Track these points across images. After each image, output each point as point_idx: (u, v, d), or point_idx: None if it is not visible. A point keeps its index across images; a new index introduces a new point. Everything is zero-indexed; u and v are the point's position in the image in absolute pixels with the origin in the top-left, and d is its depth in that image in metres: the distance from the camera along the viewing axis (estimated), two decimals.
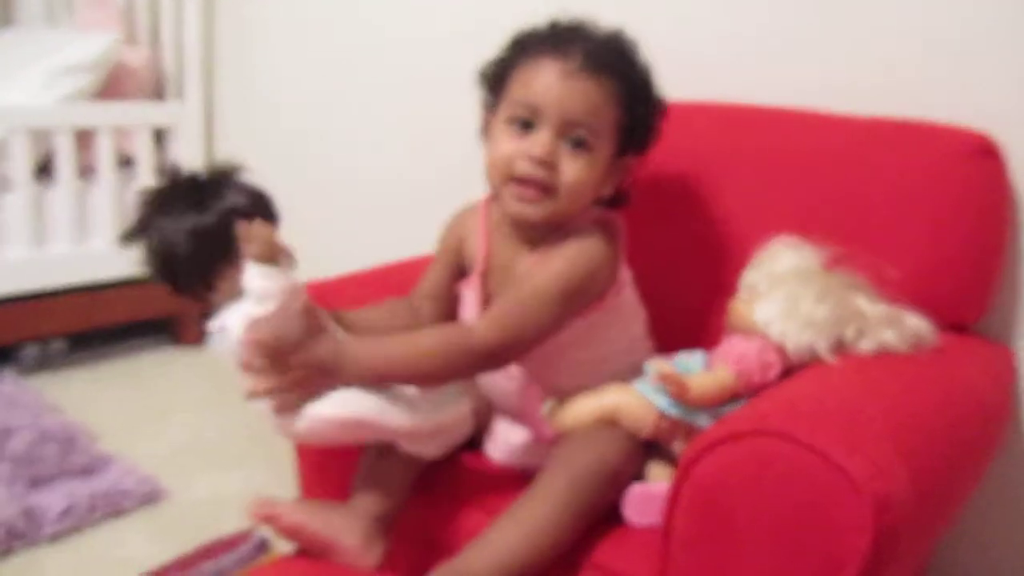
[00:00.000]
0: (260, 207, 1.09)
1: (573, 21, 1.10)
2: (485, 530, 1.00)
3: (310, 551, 1.05)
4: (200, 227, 1.04)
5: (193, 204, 1.06)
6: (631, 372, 1.12)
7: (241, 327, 0.96)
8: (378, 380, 0.99)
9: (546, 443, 1.12)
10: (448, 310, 1.23)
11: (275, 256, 1.02)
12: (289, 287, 1.01)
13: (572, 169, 1.05)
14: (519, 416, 1.17)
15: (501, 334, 1.00)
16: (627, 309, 1.17)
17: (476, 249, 1.18)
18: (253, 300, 1.00)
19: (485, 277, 1.16)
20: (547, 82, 1.04)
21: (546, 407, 1.12)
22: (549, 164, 1.04)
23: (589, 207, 1.11)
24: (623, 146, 1.10)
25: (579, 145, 1.05)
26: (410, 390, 1.03)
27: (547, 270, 1.05)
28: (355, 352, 0.97)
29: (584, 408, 1.10)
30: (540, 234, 1.10)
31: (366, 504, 1.07)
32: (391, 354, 0.99)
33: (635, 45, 1.11)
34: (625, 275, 1.15)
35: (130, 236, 1.08)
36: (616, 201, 1.15)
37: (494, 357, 1.02)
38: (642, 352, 1.19)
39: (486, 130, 1.14)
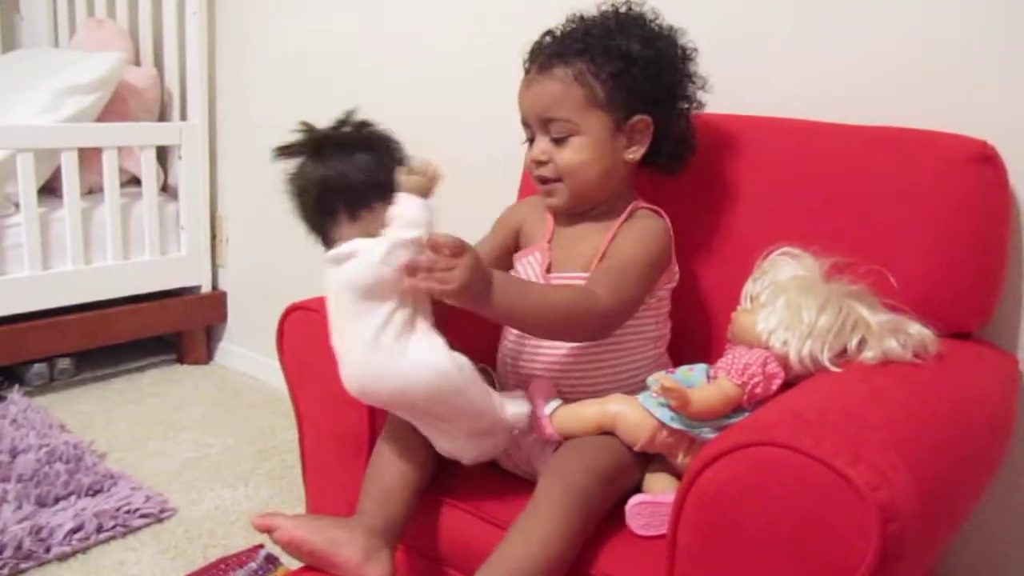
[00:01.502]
0: (400, 152, 1.16)
1: (555, 29, 1.21)
2: (496, 548, 1.00)
3: (312, 566, 1.05)
4: (367, 164, 1.10)
5: (357, 146, 1.13)
6: (640, 388, 1.13)
7: (386, 248, 1.03)
8: (506, 315, 1.04)
9: (546, 439, 1.13)
10: None
11: (430, 191, 1.10)
12: (433, 220, 1.08)
13: (564, 157, 1.16)
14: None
15: (617, 301, 1.08)
16: (664, 310, 1.23)
17: (540, 227, 1.26)
18: (402, 227, 1.05)
19: (551, 245, 1.23)
20: (521, 97, 1.19)
21: (549, 406, 1.12)
22: (546, 162, 1.17)
23: (625, 175, 1.20)
24: (620, 113, 1.15)
25: (560, 139, 1.15)
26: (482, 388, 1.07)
27: (631, 243, 1.15)
28: (499, 280, 1.01)
29: (586, 412, 1.11)
30: (592, 213, 1.21)
31: (369, 518, 1.07)
32: (526, 297, 1.04)
33: (619, 16, 1.18)
34: (676, 269, 1.22)
35: (302, 166, 1.19)
36: (672, 160, 1.23)
37: (609, 322, 1.10)
38: (660, 360, 1.22)
39: None
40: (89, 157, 2.26)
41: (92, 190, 2.34)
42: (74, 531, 1.57)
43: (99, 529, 1.60)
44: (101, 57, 2.34)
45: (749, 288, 1.14)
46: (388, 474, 1.11)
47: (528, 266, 1.24)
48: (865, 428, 0.82)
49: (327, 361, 1.24)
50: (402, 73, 2.00)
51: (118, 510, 1.65)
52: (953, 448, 0.91)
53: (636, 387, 1.15)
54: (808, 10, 1.35)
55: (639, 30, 1.17)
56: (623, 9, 1.20)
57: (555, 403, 1.13)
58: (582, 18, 1.20)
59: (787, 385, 1.04)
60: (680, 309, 1.27)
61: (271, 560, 1.52)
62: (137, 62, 2.54)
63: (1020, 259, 1.21)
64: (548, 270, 1.21)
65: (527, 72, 1.20)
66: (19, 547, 1.50)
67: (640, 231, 1.17)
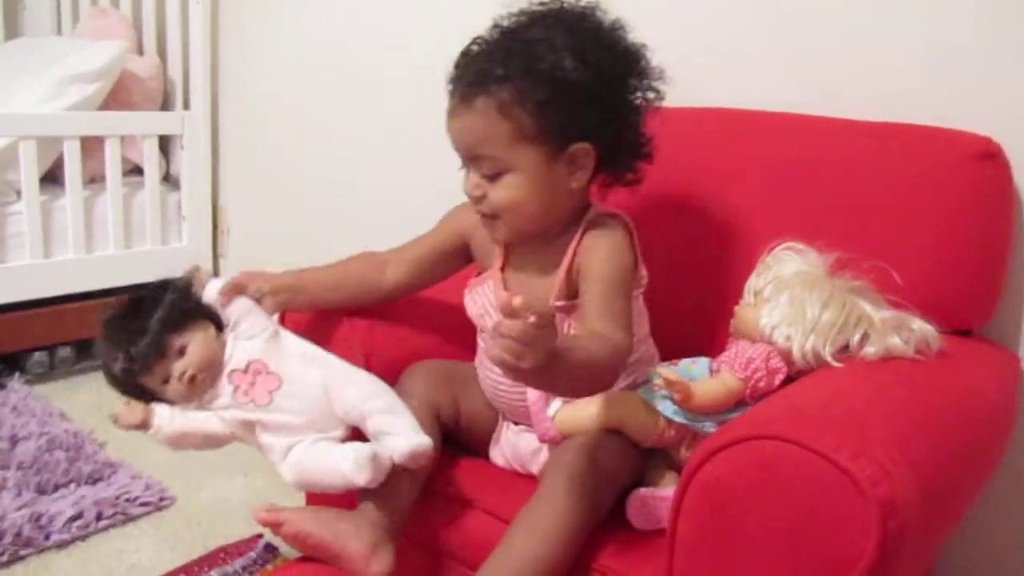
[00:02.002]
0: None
1: (472, 42, 1.09)
2: (498, 545, 1.00)
3: (317, 558, 1.05)
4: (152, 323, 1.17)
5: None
6: (634, 371, 1.14)
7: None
8: (550, 389, 1.00)
9: (550, 443, 1.13)
10: (415, 281, 1.25)
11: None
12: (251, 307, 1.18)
13: (496, 195, 1.06)
14: (525, 416, 1.17)
15: (622, 331, 1.01)
16: (639, 307, 1.18)
17: (491, 246, 1.18)
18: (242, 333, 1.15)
19: (504, 273, 1.17)
20: (447, 126, 1.08)
21: (552, 408, 1.12)
22: (480, 197, 1.07)
23: (572, 201, 1.10)
24: (557, 140, 1.03)
25: (492, 176, 1.05)
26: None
27: (602, 264, 1.06)
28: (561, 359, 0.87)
29: (589, 411, 1.10)
30: (541, 239, 1.12)
31: (373, 511, 1.07)
32: (569, 374, 0.90)
33: (547, 27, 1.04)
34: (643, 272, 1.16)
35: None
36: (625, 173, 1.12)
37: (627, 354, 1.03)
38: (646, 352, 1.20)
39: None
40: (91, 146, 2.25)
41: (94, 179, 2.34)
42: (73, 519, 1.57)
43: (98, 517, 1.60)
44: (104, 46, 2.34)
45: (753, 282, 1.13)
46: (393, 471, 1.10)
47: (483, 298, 1.18)
48: (866, 423, 0.82)
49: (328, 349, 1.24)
50: (403, 62, 2.00)
51: (117, 498, 1.65)
52: (954, 444, 0.91)
53: (629, 371, 1.14)
54: (813, 5, 1.35)
55: (570, 40, 1.02)
56: (552, 8, 1.06)
57: (557, 404, 1.13)
58: (503, 29, 1.07)
59: (789, 380, 1.04)
60: (682, 303, 1.27)
61: (270, 550, 1.52)
62: (140, 51, 2.53)
63: (1022, 256, 1.20)
64: (507, 289, 1.16)
65: (449, 97, 1.07)
66: (19, 534, 1.50)
67: (606, 249, 1.07)
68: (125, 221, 2.33)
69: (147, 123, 2.38)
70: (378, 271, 1.25)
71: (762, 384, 1.03)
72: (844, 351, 1.02)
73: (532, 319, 0.79)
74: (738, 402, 1.04)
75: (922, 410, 0.90)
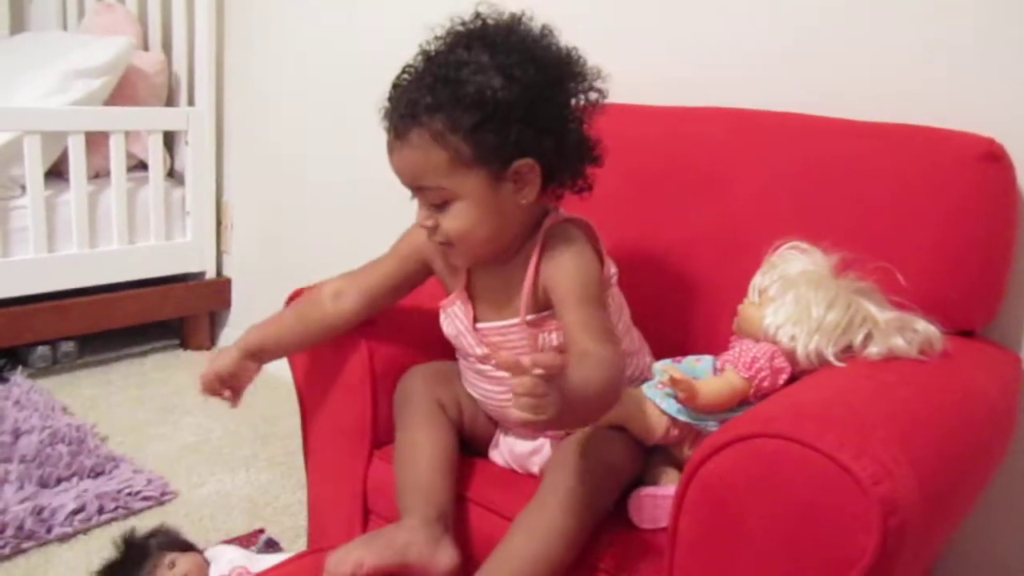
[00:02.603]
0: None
1: (403, 71, 1.09)
2: (500, 543, 1.01)
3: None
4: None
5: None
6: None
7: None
8: (571, 424, 1.02)
9: (551, 437, 1.14)
10: (368, 311, 1.21)
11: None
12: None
13: (447, 224, 1.04)
14: (519, 428, 1.17)
15: (611, 342, 1.00)
16: (617, 301, 1.18)
17: (456, 274, 1.16)
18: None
19: (468, 290, 1.15)
20: (389, 159, 1.06)
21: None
22: (432, 228, 1.05)
23: (524, 216, 1.08)
24: (498, 160, 1.01)
25: (438, 205, 1.04)
26: None
27: (569, 279, 1.05)
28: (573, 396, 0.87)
29: None
30: (500, 257, 1.10)
31: (422, 511, 1.06)
32: (585, 405, 0.91)
33: (466, 43, 1.02)
34: (611, 269, 1.14)
35: None
36: (573, 181, 1.09)
37: (623, 363, 1.02)
38: (631, 344, 1.19)
39: None
40: (96, 141, 2.26)
41: (98, 174, 2.34)
42: (76, 512, 1.58)
43: (100, 511, 1.60)
44: (110, 41, 2.34)
45: (758, 281, 1.14)
46: (422, 465, 1.11)
47: (454, 317, 1.17)
48: (868, 422, 0.83)
49: (331, 348, 1.25)
50: (407, 55, 1.99)
51: (119, 492, 1.65)
52: (955, 444, 0.91)
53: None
54: (816, 7, 1.35)
55: (496, 58, 1.00)
56: (474, 27, 1.05)
57: None
58: (429, 55, 1.06)
59: (792, 379, 1.04)
60: (685, 301, 1.27)
61: (272, 544, 1.52)
62: (145, 47, 2.53)
63: None
64: (475, 320, 1.15)
65: (387, 131, 1.05)
66: (21, 527, 1.51)
67: (571, 265, 1.05)
68: (129, 216, 2.34)
69: (152, 119, 2.38)
70: (321, 309, 1.22)
71: (766, 384, 1.04)
72: (847, 351, 1.02)
73: (540, 371, 0.80)
74: (742, 401, 1.04)
75: (924, 410, 0.91)
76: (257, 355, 1.22)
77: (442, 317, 1.19)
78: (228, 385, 1.23)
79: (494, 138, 0.99)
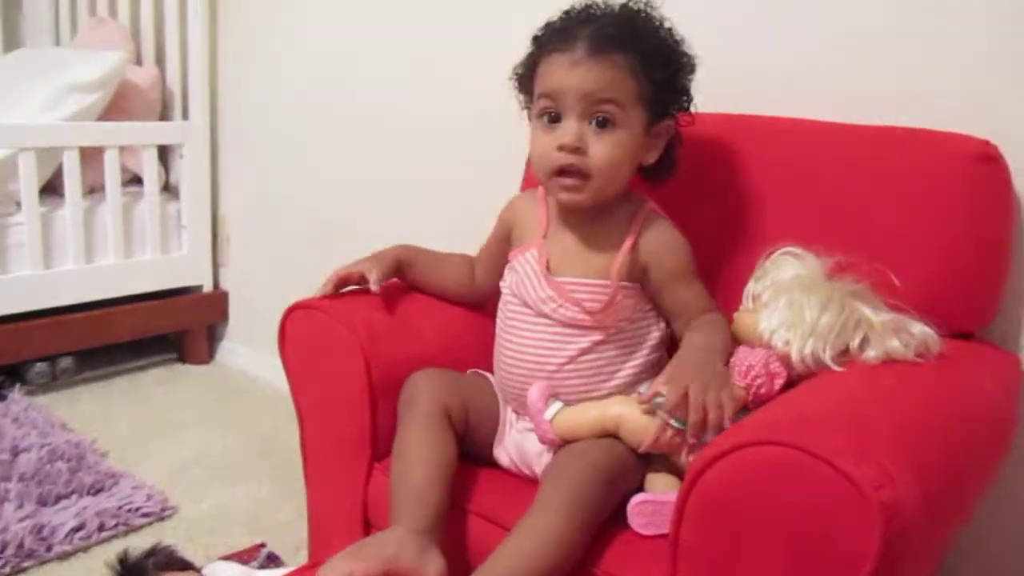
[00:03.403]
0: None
1: (582, 8, 1.16)
2: (496, 549, 1.00)
3: None
4: None
5: None
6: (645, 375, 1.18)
7: None
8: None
9: (548, 444, 1.14)
10: (494, 277, 1.31)
11: None
12: None
13: (601, 150, 1.11)
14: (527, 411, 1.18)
15: (717, 308, 1.20)
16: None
17: (532, 223, 1.24)
18: None
19: (546, 241, 1.22)
20: (560, 74, 1.11)
21: (551, 411, 1.13)
22: (580, 150, 1.11)
23: (632, 178, 1.18)
24: (654, 114, 1.14)
25: (604, 124, 1.11)
26: None
27: (677, 256, 1.18)
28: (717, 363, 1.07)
29: (588, 416, 1.11)
30: (593, 214, 1.18)
31: (411, 521, 1.05)
32: (726, 342, 1.12)
33: (647, 14, 1.15)
34: None
35: None
36: (665, 169, 1.21)
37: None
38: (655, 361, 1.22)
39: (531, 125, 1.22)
40: (91, 156, 2.26)
41: (94, 189, 2.34)
42: (76, 530, 1.57)
43: (101, 528, 1.60)
44: (103, 56, 2.34)
45: (751, 288, 1.13)
46: (419, 472, 1.10)
47: (526, 265, 1.21)
48: (868, 427, 0.82)
49: (329, 361, 1.25)
50: (403, 72, 2.00)
51: (120, 509, 1.65)
52: (956, 447, 0.91)
53: (635, 391, 1.17)
54: (809, 9, 1.35)
55: (667, 36, 1.15)
56: (645, 9, 1.15)
57: (556, 406, 1.13)
58: (605, 5, 1.15)
59: (789, 384, 1.04)
60: None
61: (272, 559, 1.52)
62: (139, 61, 2.54)
63: (1022, 259, 1.20)
64: (548, 268, 1.19)
65: (564, 51, 1.10)
66: (20, 546, 1.50)
67: (680, 243, 1.19)
68: (125, 231, 2.34)
69: (146, 133, 2.38)
70: (470, 271, 1.37)
71: (763, 390, 1.03)
72: (844, 355, 1.02)
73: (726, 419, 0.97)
74: (739, 408, 1.04)
75: (924, 413, 0.90)
76: (404, 269, 1.34)
77: (507, 271, 1.26)
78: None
79: (667, 92, 1.14)
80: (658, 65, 1.12)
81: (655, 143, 1.17)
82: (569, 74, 1.10)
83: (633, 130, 1.12)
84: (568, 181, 1.13)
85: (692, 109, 1.21)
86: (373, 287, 1.27)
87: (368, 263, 1.30)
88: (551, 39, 1.15)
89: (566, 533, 0.99)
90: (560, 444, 1.13)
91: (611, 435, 1.09)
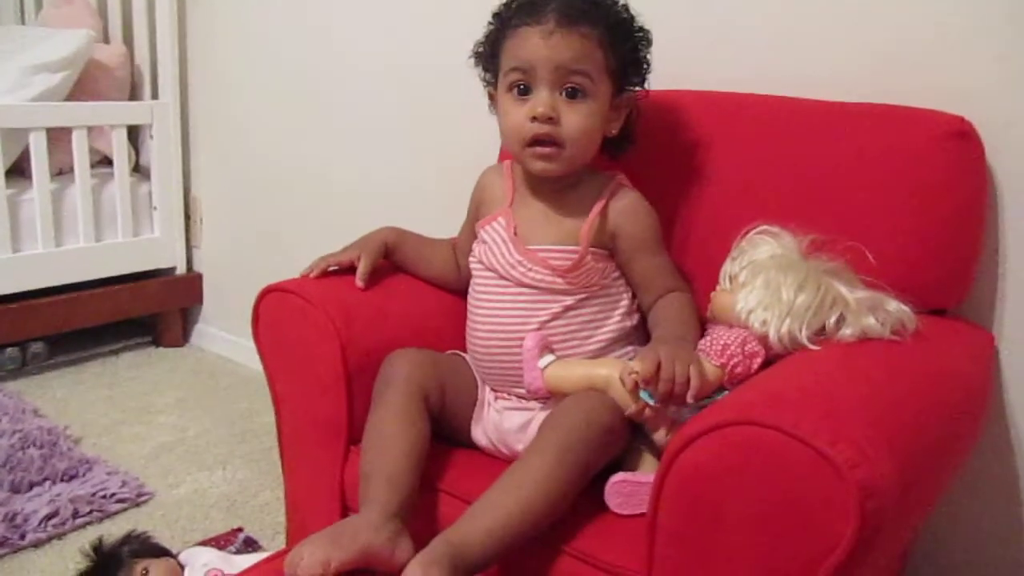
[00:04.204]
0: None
1: None
2: (480, 498, 1.00)
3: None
4: None
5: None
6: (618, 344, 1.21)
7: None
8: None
9: (534, 392, 1.14)
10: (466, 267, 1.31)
11: None
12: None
13: (573, 119, 1.13)
14: (513, 382, 1.18)
15: (684, 282, 1.22)
16: None
17: (499, 194, 1.26)
18: None
19: (512, 210, 1.23)
20: (531, 46, 1.12)
21: (544, 360, 1.13)
22: (553, 120, 1.12)
23: (595, 155, 1.20)
24: (618, 85, 1.17)
25: (574, 94, 1.13)
26: None
27: (648, 228, 1.20)
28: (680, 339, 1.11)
29: (577, 371, 1.12)
30: (559, 185, 1.20)
31: (383, 505, 1.04)
32: (695, 326, 1.16)
33: None
34: None
35: None
36: (624, 141, 1.24)
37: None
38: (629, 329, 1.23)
39: (493, 104, 1.24)
40: (58, 137, 2.21)
41: (62, 171, 2.30)
42: (49, 517, 1.55)
43: (75, 515, 1.58)
44: (69, 34, 2.29)
45: (728, 268, 1.14)
46: (392, 455, 1.09)
47: (494, 233, 1.23)
48: (844, 406, 0.83)
49: (304, 344, 1.23)
50: (377, 48, 1.98)
51: (94, 495, 1.63)
52: (931, 425, 0.92)
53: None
54: None
55: (624, 10, 1.18)
56: None
57: (550, 358, 1.14)
58: None
59: (767, 363, 1.04)
60: None
61: (250, 543, 1.51)
62: (106, 40, 2.49)
63: (996, 236, 1.21)
64: (515, 234, 1.20)
65: (532, 23, 1.12)
66: None
67: (645, 212, 1.20)
68: (95, 213, 2.30)
69: (115, 113, 2.34)
70: (454, 257, 1.36)
71: (740, 369, 1.03)
72: (821, 333, 1.02)
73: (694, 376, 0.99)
74: (717, 388, 1.04)
75: (899, 392, 0.91)
76: (391, 253, 1.33)
77: (475, 244, 1.27)
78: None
79: (630, 64, 1.17)
80: (621, 38, 1.15)
81: (618, 115, 1.19)
82: (540, 45, 1.11)
83: (600, 102, 1.14)
84: (543, 150, 1.15)
85: (648, 84, 1.23)
86: (360, 283, 1.26)
87: (355, 250, 1.29)
88: (517, 13, 1.16)
89: (554, 483, 0.99)
90: (546, 395, 1.14)
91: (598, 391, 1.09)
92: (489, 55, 1.22)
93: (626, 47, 1.16)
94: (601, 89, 1.14)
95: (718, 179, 1.27)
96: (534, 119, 1.13)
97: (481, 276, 1.24)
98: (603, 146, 1.21)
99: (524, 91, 1.14)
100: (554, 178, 1.19)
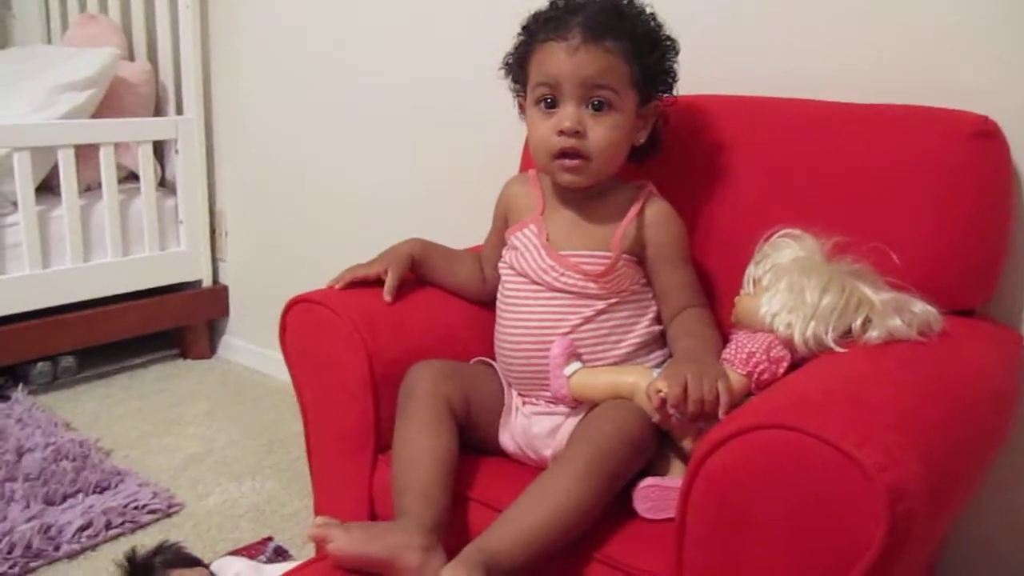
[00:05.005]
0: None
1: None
2: (511, 505, 1.00)
3: (372, 574, 1.01)
4: None
5: None
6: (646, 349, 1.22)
7: None
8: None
9: (560, 400, 1.15)
10: (496, 278, 1.32)
11: None
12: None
13: (599, 132, 1.15)
14: (541, 387, 1.19)
15: (704, 298, 1.23)
16: None
17: (529, 202, 1.28)
18: None
19: (543, 218, 1.25)
20: (557, 61, 1.14)
21: (570, 368, 1.14)
22: (579, 133, 1.14)
23: (623, 164, 1.22)
24: (644, 95, 1.18)
25: (600, 107, 1.14)
26: None
27: (677, 239, 1.21)
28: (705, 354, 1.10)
29: (603, 379, 1.13)
30: (590, 192, 1.21)
31: (418, 517, 1.04)
32: (717, 339, 1.16)
33: (631, 1, 1.18)
34: None
35: None
36: (651, 148, 1.25)
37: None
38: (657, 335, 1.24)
39: (523, 113, 1.26)
40: (86, 154, 2.25)
41: (90, 187, 2.33)
42: (83, 528, 1.58)
43: (108, 526, 1.60)
44: (95, 53, 2.33)
45: (751, 271, 1.13)
46: (424, 469, 1.10)
47: (525, 239, 1.24)
48: (871, 409, 0.82)
49: (331, 354, 1.25)
50: (397, 59, 1.99)
51: (126, 507, 1.65)
52: (959, 426, 0.91)
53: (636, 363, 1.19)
54: None
55: (651, 20, 1.19)
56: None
57: (576, 365, 1.15)
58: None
59: (793, 367, 1.04)
60: None
61: (280, 552, 1.52)
62: (131, 57, 2.52)
63: (1022, 235, 1.20)
64: (547, 240, 1.22)
65: (558, 39, 1.14)
66: (28, 546, 1.51)
67: (677, 224, 1.22)
68: (122, 228, 2.33)
69: (140, 129, 2.37)
70: (479, 268, 1.37)
71: (766, 376, 1.03)
72: (847, 336, 1.02)
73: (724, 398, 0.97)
74: (744, 394, 1.04)
75: (926, 393, 0.90)
76: (416, 266, 1.34)
77: (505, 250, 1.28)
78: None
79: (656, 74, 1.18)
80: (647, 49, 1.16)
81: (644, 124, 1.21)
82: (566, 61, 1.13)
83: (627, 112, 1.16)
84: (570, 163, 1.16)
85: (675, 91, 1.24)
86: (387, 297, 1.27)
87: (382, 263, 1.30)
88: (544, 28, 1.17)
89: (583, 495, 1.00)
90: (573, 403, 1.14)
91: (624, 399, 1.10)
92: (517, 67, 1.23)
93: (652, 58, 1.17)
94: (627, 101, 1.15)
95: (740, 183, 1.27)
96: (561, 132, 1.14)
97: (512, 281, 1.25)
98: (630, 154, 1.22)
99: (551, 104, 1.16)
100: (583, 188, 1.20)
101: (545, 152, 1.18)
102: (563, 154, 1.16)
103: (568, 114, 1.14)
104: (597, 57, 1.12)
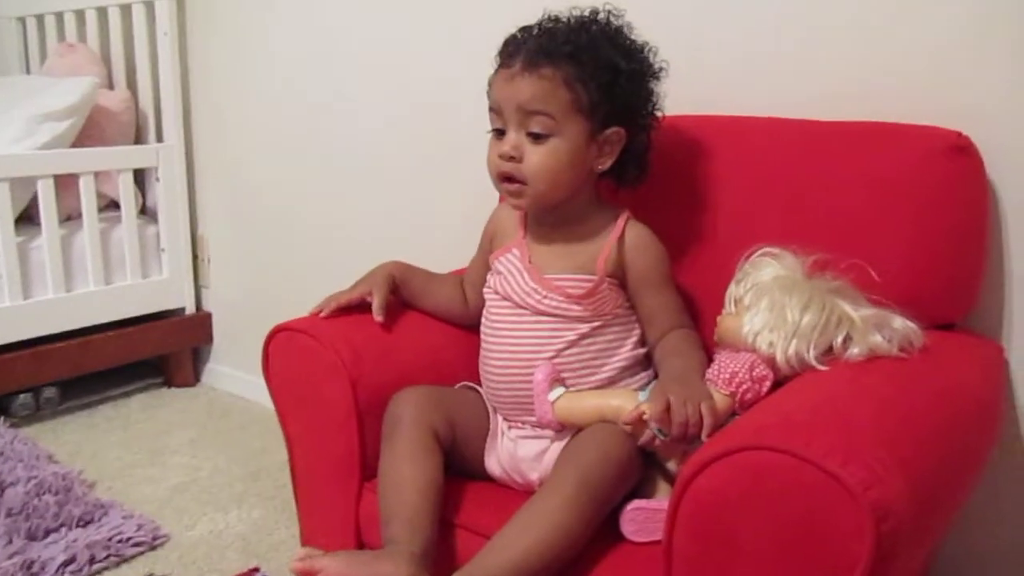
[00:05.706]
0: None
1: (540, 21, 1.19)
2: (499, 532, 1.00)
3: None
4: None
5: None
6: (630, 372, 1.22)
7: None
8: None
9: (545, 425, 1.15)
10: (478, 303, 1.32)
11: None
12: None
13: (534, 158, 1.15)
14: (526, 411, 1.19)
15: (689, 319, 1.23)
16: None
17: (512, 229, 1.29)
18: None
19: (526, 242, 1.26)
20: (499, 88, 1.17)
21: (554, 393, 1.14)
22: (515, 158, 1.15)
23: (589, 184, 1.21)
24: (600, 120, 1.15)
25: (538, 135, 1.14)
26: None
27: (658, 263, 1.22)
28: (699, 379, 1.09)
29: (588, 403, 1.13)
30: (568, 220, 1.22)
31: (407, 545, 1.04)
32: (702, 360, 1.14)
33: (606, 23, 1.18)
34: None
35: None
36: (629, 172, 1.23)
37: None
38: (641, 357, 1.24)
39: None
40: (66, 183, 2.23)
41: (70, 216, 2.32)
42: (66, 564, 1.55)
43: (92, 560, 1.58)
44: (74, 82, 2.32)
45: (732, 291, 1.14)
46: (411, 497, 1.09)
47: (508, 264, 1.24)
48: (854, 427, 0.83)
49: (314, 383, 1.24)
50: (379, 84, 2.00)
51: (110, 540, 1.63)
52: (942, 442, 0.92)
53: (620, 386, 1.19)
54: (782, 8, 1.36)
55: (621, 42, 1.17)
56: (602, 18, 1.19)
57: (559, 391, 1.15)
58: (559, 19, 1.19)
59: (776, 385, 1.04)
60: None
61: None
62: (110, 85, 2.52)
63: (1000, 247, 1.21)
64: (530, 262, 1.22)
65: (506, 66, 1.16)
66: None
67: (657, 248, 1.22)
68: (104, 257, 2.31)
69: (121, 157, 2.36)
70: (461, 291, 1.37)
71: (749, 396, 1.03)
72: (828, 353, 1.02)
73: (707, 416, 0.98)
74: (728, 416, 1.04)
75: (909, 409, 0.91)
76: (398, 288, 1.34)
77: (489, 275, 1.29)
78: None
79: (610, 99, 1.14)
80: (599, 74, 1.13)
81: (604, 151, 1.18)
82: (505, 88, 1.16)
83: (571, 140, 1.14)
84: (510, 187, 1.18)
85: (658, 113, 1.23)
86: (378, 316, 1.27)
87: (365, 285, 1.30)
88: (500, 55, 1.20)
89: (571, 520, 0.99)
90: (558, 427, 1.14)
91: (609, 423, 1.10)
92: (488, 93, 1.24)
93: (614, 86, 1.14)
94: (571, 129, 1.14)
95: (719, 202, 1.28)
96: (500, 156, 1.16)
97: (496, 305, 1.25)
98: (610, 177, 1.23)
99: (500, 131, 1.18)
100: (558, 213, 1.21)
101: (494, 176, 1.20)
102: (505, 178, 1.18)
103: (509, 139, 1.16)
104: (531, 83, 1.13)
